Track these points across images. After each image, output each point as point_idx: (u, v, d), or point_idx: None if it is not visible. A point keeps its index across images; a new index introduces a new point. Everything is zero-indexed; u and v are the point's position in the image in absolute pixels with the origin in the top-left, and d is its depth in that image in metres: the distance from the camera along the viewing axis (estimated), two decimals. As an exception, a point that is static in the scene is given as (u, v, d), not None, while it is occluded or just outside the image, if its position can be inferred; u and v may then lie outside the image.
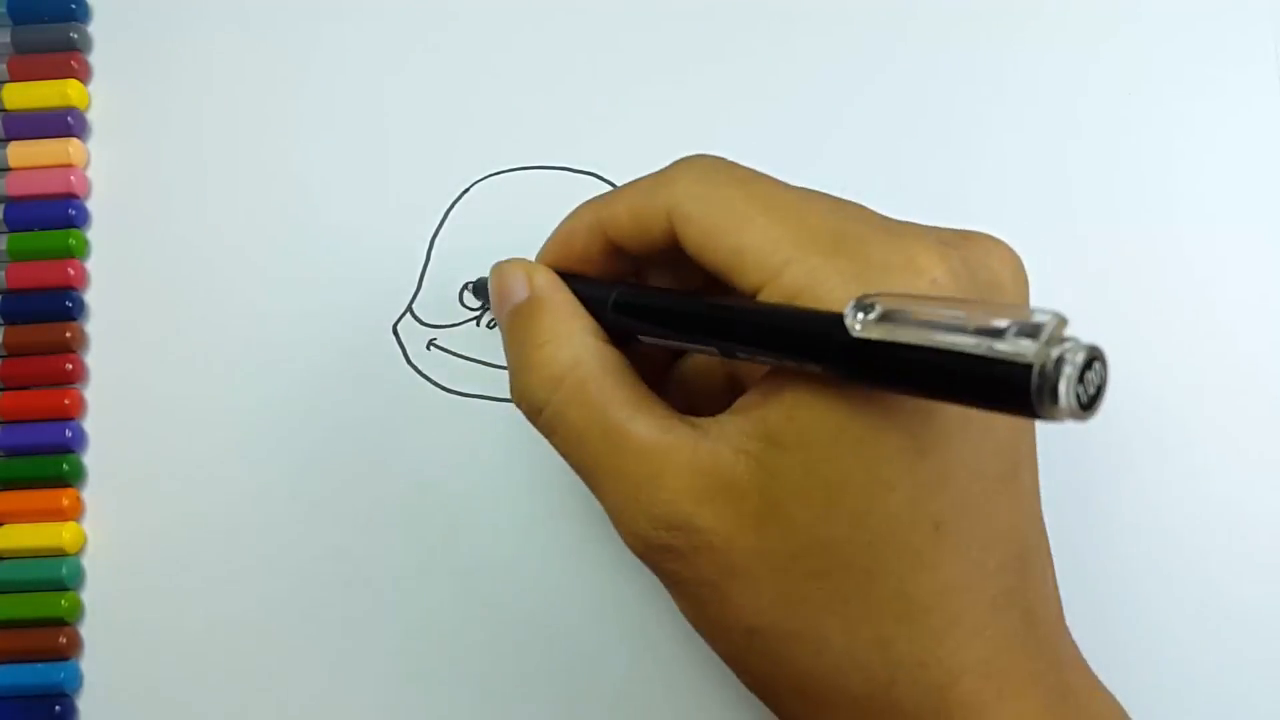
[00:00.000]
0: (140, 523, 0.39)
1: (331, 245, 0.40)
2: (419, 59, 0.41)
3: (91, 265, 0.40)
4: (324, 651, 0.38)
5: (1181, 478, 0.37)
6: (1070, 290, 0.38)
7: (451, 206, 0.40)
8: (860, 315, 0.22)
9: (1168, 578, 0.37)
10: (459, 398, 0.39)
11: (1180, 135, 0.39)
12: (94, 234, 0.40)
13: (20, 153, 0.40)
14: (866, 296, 0.23)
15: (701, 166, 0.29)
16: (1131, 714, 0.29)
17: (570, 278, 0.31)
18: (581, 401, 0.28)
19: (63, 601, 0.38)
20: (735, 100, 0.40)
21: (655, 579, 0.29)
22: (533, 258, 0.32)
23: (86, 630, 0.38)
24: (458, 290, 0.39)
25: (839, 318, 0.23)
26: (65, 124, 0.40)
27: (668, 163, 0.30)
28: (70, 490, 0.39)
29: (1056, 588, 0.29)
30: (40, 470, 0.39)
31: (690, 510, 0.27)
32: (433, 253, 0.39)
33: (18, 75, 0.40)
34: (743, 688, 0.29)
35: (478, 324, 0.39)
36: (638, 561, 0.29)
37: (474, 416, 0.38)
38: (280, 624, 0.38)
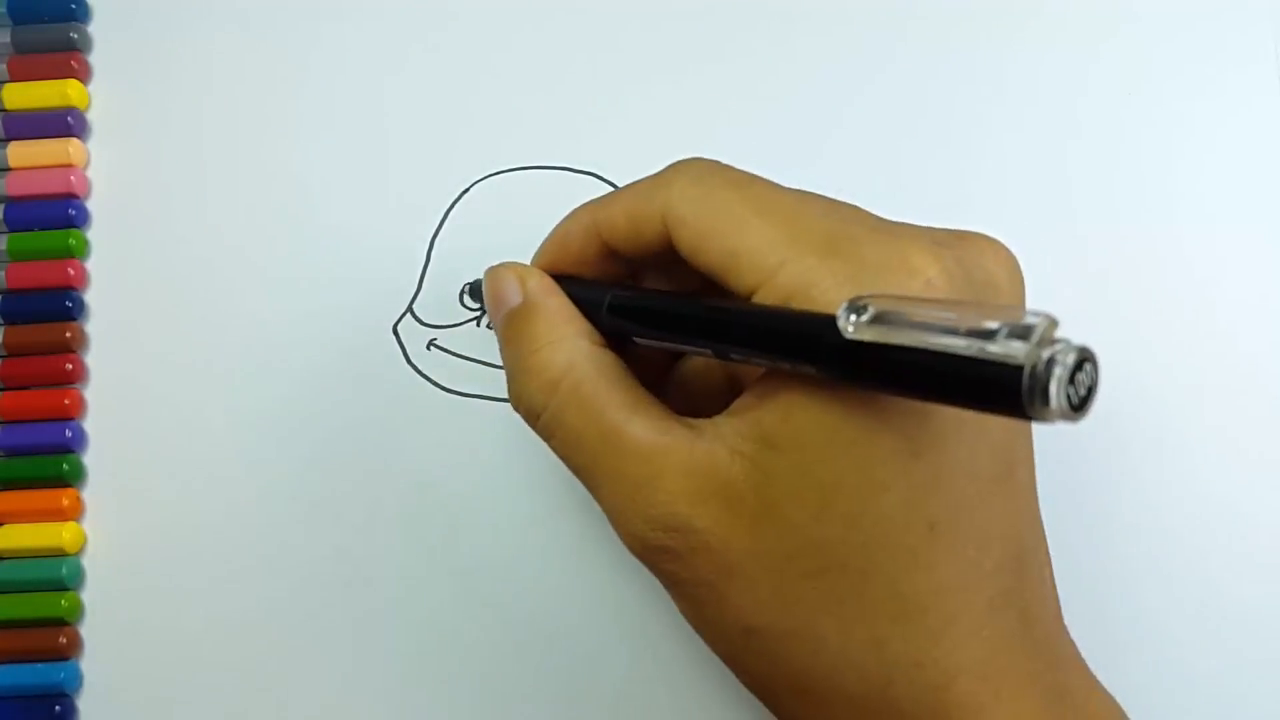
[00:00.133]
0: (140, 523, 0.39)
1: (331, 245, 0.40)
2: (419, 59, 0.41)
3: (91, 265, 0.40)
4: (324, 651, 0.38)
5: (1181, 478, 0.37)
6: (1069, 290, 0.38)
7: (451, 206, 0.40)
8: (853, 317, 0.22)
9: (1167, 578, 0.37)
10: (459, 398, 0.39)
11: (1180, 135, 0.39)
12: (94, 234, 0.40)
13: (20, 153, 0.40)
14: (859, 299, 0.23)
15: (696, 169, 0.29)
16: (1131, 714, 0.29)
17: (566, 280, 0.31)
18: (578, 405, 0.28)
19: (63, 601, 0.38)
20: (735, 100, 0.40)
21: (655, 579, 0.29)
22: (530, 259, 0.33)
23: (86, 630, 0.38)
24: (458, 290, 0.39)
25: (832, 320, 0.23)
26: (65, 124, 0.40)
27: (667, 163, 0.30)
28: (70, 490, 0.39)
29: (1055, 587, 0.29)
30: (40, 470, 0.39)
31: (687, 511, 0.27)
32: (433, 253, 0.39)
33: (18, 75, 0.41)
34: (741, 687, 0.29)
35: (478, 324, 0.39)
36: (637, 562, 0.29)
37: (474, 416, 0.38)
38: (280, 623, 0.38)
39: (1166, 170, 0.38)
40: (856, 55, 0.40)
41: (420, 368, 0.39)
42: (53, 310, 0.39)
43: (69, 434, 0.39)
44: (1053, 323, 0.20)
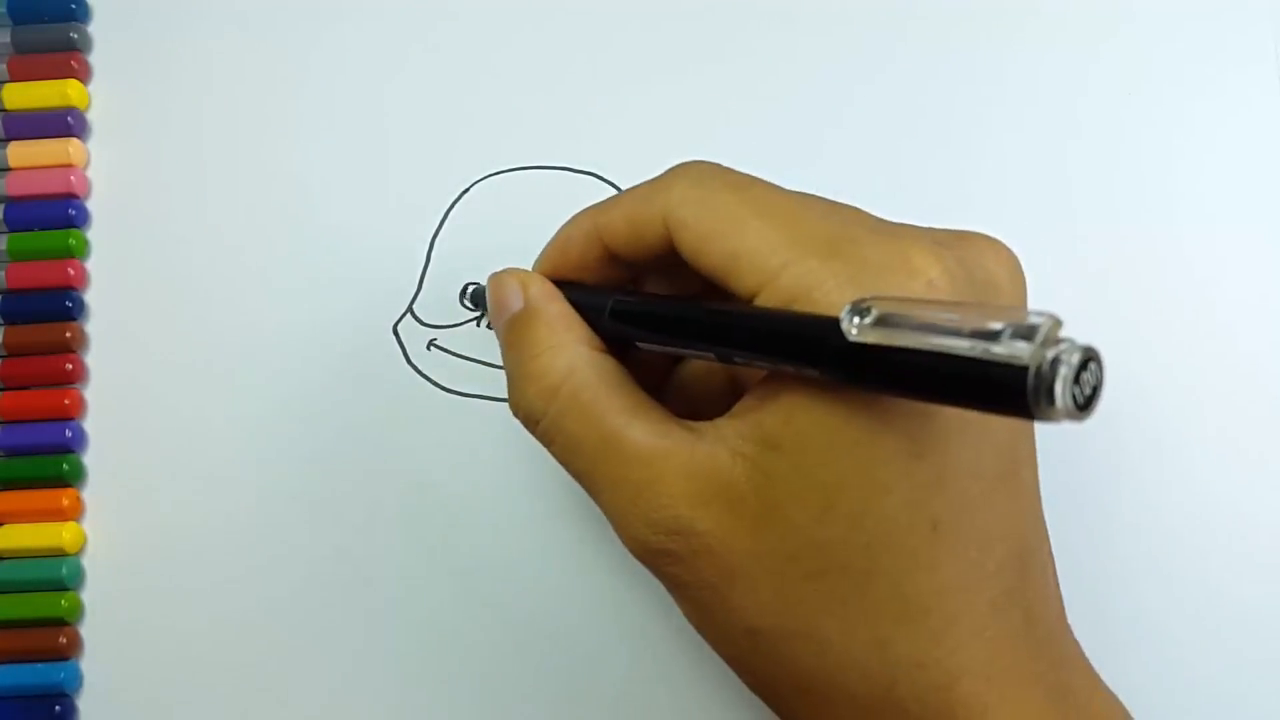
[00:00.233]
0: (140, 523, 0.39)
1: (331, 246, 0.40)
2: (419, 59, 0.40)
3: (91, 265, 0.40)
4: (324, 651, 0.38)
5: (1181, 478, 0.37)
6: (1070, 290, 0.38)
7: (451, 206, 0.40)
8: (856, 319, 0.22)
9: (1168, 578, 0.37)
10: (459, 398, 0.39)
11: (1180, 135, 0.39)
12: (94, 234, 0.40)
13: (20, 153, 0.40)
14: (862, 300, 0.23)
15: (697, 172, 0.29)
16: (1132, 714, 0.29)
17: (567, 285, 0.31)
18: (578, 411, 0.28)
19: (63, 601, 0.38)
20: (735, 100, 0.40)
21: (655, 579, 0.29)
22: (532, 260, 0.33)
23: (86, 630, 0.38)
24: (458, 291, 0.39)
25: (835, 322, 0.23)
26: (65, 124, 0.40)
27: (668, 163, 0.30)
28: (70, 490, 0.39)
29: (1058, 587, 0.29)
30: (40, 470, 0.39)
31: (688, 514, 0.27)
32: (433, 253, 0.39)
33: (18, 75, 0.41)
34: (742, 687, 0.29)
35: (478, 324, 0.39)
36: (637, 562, 0.29)
37: (474, 416, 0.38)
38: (280, 623, 0.38)
39: (1166, 170, 0.38)
40: (856, 55, 0.40)
41: (420, 368, 0.39)
42: (53, 310, 0.39)
43: (69, 434, 0.39)
44: (1057, 323, 0.20)
